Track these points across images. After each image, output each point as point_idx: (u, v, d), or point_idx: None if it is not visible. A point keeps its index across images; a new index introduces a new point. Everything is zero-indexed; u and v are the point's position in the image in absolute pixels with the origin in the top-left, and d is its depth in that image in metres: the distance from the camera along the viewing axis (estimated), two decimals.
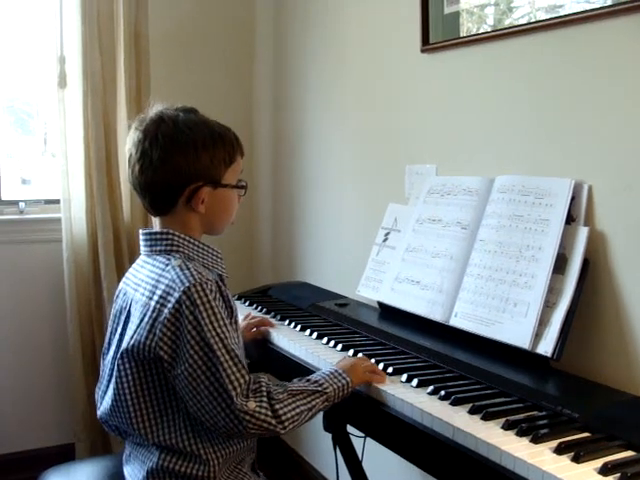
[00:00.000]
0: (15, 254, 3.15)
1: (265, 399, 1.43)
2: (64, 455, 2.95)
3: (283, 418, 1.43)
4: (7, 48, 3.20)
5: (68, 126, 3.05)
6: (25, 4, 3.21)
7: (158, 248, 1.55)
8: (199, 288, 1.42)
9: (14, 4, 3.19)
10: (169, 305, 1.42)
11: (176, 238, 1.54)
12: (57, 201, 3.11)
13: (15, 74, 3.28)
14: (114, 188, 3.09)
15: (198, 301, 1.41)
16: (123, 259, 3.08)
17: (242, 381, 1.41)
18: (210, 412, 1.41)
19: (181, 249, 1.54)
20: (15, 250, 3.15)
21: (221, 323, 1.43)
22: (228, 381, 1.39)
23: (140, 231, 1.61)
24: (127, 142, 1.57)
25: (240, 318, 2.12)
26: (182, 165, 1.51)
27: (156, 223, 1.61)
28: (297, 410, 1.46)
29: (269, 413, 1.41)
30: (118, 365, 1.50)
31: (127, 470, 1.62)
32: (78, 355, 3.08)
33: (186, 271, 1.45)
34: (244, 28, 3.55)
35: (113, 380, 1.52)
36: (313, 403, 1.50)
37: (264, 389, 1.44)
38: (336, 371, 1.57)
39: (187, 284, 1.42)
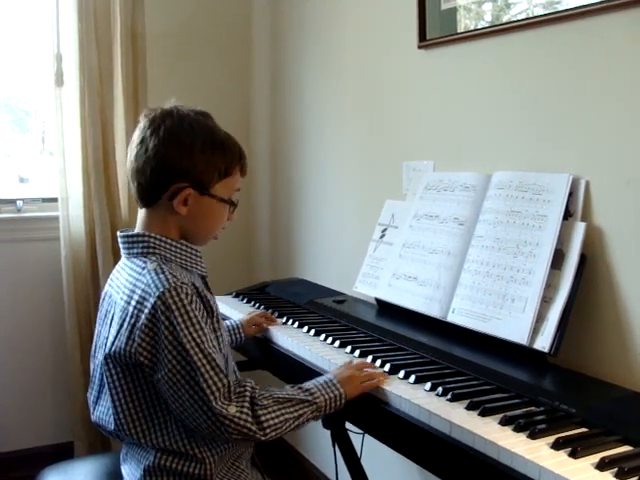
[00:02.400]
0: (13, 253, 3.15)
1: (247, 404, 1.41)
2: (63, 453, 2.94)
3: (265, 425, 1.42)
4: (4, 46, 3.20)
5: (65, 124, 3.05)
6: (21, 2, 3.20)
7: (135, 251, 1.53)
8: (174, 293, 1.40)
9: (10, 2, 3.19)
10: (145, 311, 1.41)
11: (152, 240, 1.52)
12: (55, 199, 3.11)
13: (12, 72, 3.28)
14: (112, 186, 3.09)
15: (173, 306, 1.39)
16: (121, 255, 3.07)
17: (220, 385, 1.40)
18: (192, 415, 1.40)
19: (157, 251, 1.51)
20: (13, 249, 3.14)
21: (197, 327, 1.41)
22: (206, 386, 1.38)
23: (118, 233, 1.59)
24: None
25: (239, 315, 2.13)
26: (174, 160, 1.49)
27: (139, 218, 1.58)
28: (281, 418, 1.45)
29: (249, 419, 1.40)
30: (106, 371, 1.49)
31: (124, 469, 1.61)
32: (76, 353, 3.08)
33: (161, 275, 1.43)
34: (241, 25, 3.55)
35: (105, 387, 1.52)
36: (300, 412, 1.48)
37: (248, 394, 1.43)
38: (330, 381, 1.56)
39: (161, 289, 1.40)
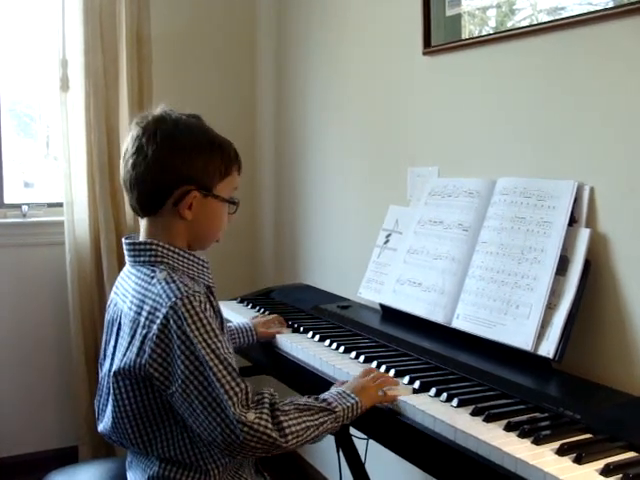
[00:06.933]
0: (18, 257, 3.16)
1: (266, 410, 1.36)
2: (67, 458, 2.96)
3: (287, 431, 1.36)
4: (9, 51, 3.21)
5: (70, 129, 3.06)
6: (27, 7, 3.22)
7: (142, 259, 1.51)
8: (186, 301, 1.37)
9: (16, 7, 3.20)
10: (157, 321, 1.37)
11: (160, 249, 1.49)
12: (60, 204, 3.13)
13: (17, 77, 3.29)
14: (117, 191, 3.09)
15: (186, 314, 1.36)
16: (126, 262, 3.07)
17: (238, 390, 1.35)
18: (209, 427, 1.34)
19: (165, 260, 1.49)
20: (18, 253, 3.16)
21: (212, 334, 1.37)
22: (223, 391, 1.33)
23: (123, 240, 1.57)
24: (127, 138, 1.55)
25: (244, 320, 2.12)
26: (175, 165, 1.48)
27: (142, 227, 1.57)
28: (302, 425, 1.39)
29: (269, 425, 1.34)
30: (113, 384, 1.46)
31: (129, 475, 1.60)
32: (81, 358, 3.09)
33: (172, 284, 1.41)
34: (246, 29, 3.56)
35: (111, 398, 1.49)
36: (321, 420, 1.44)
37: (267, 401, 1.38)
38: (344, 392, 1.52)
39: (173, 298, 1.37)
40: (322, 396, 1.51)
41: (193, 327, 1.36)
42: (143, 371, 1.39)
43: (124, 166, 1.52)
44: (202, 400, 1.34)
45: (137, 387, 1.44)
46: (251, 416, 1.33)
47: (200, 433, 1.38)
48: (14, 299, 3.16)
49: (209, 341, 1.37)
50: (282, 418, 1.37)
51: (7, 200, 3.20)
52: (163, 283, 1.42)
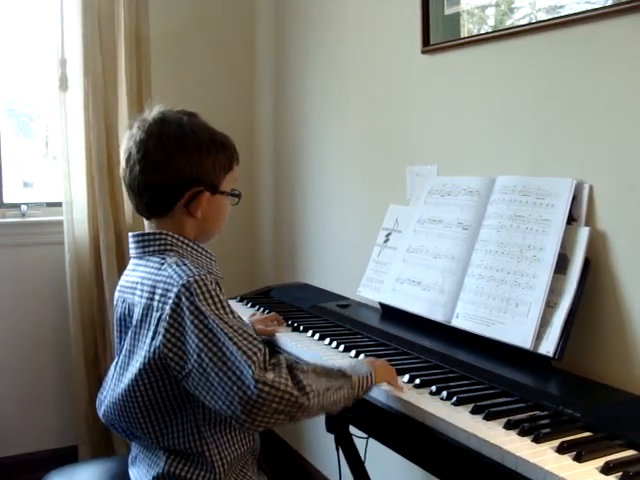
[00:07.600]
0: (17, 257, 3.15)
1: (285, 369, 1.35)
2: (67, 457, 2.94)
3: (307, 389, 1.35)
4: (8, 51, 3.21)
5: (69, 129, 3.06)
6: (26, 7, 3.22)
7: (151, 249, 1.52)
8: (198, 279, 1.38)
9: (15, 7, 3.20)
10: (169, 302, 1.38)
11: (169, 238, 1.51)
12: (59, 204, 3.12)
13: (16, 77, 3.29)
14: (116, 190, 3.09)
15: (198, 291, 1.37)
16: (125, 261, 3.07)
17: (256, 350, 1.34)
18: (227, 399, 1.32)
19: (175, 249, 1.51)
20: (17, 253, 3.15)
21: (224, 304, 1.38)
22: (241, 353, 1.32)
23: (130, 234, 1.58)
24: (125, 141, 1.54)
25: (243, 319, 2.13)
26: (184, 168, 1.49)
27: (148, 226, 1.57)
28: (322, 385, 1.39)
29: (290, 383, 1.32)
30: (133, 382, 1.46)
31: (133, 472, 1.60)
32: (80, 357, 3.08)
33: (183, 267, 1.42)
34: (245, 28, 3.56)
35: (123, 389, 1.48)
36: (339, 383, 1.44)
37: (284, 363, 1.37)
38: (356, 363, 1.56)
39: (185, 278, 1.38)
40: (335, 365, 1.52)
41: (206, 302, 1.37)
42: (158, 354, 1.39)
43: (129, 171, 1.52)
44: (218, 371, 1.33)
45: (147, 378, 1.44)
46: (270, 375, 1.32)
47: (219, 409, 1.35)
48: (13, 299, 3.15)
49: (221, 311, 1.37)
50: (301, 376, 1.37)
51: (6, 200, 3.20)
52: (174, 266, 1.44)
